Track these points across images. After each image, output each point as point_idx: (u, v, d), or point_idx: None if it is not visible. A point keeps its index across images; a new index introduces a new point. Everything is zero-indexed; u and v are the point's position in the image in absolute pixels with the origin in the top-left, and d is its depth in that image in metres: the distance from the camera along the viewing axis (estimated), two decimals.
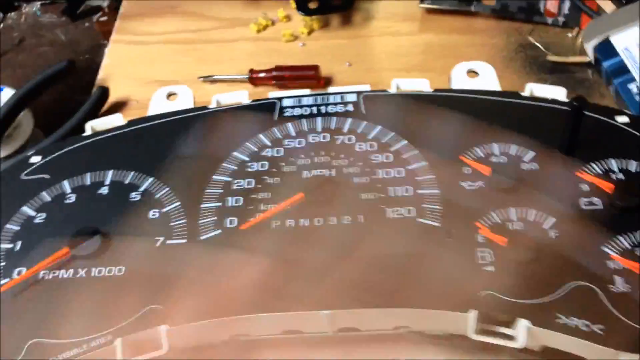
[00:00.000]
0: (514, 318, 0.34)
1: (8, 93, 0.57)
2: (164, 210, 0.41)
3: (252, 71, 0.56)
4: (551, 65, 0.55)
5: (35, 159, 0.45)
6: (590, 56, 0.53)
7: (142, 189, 0.42)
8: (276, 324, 0.36)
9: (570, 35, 0.56)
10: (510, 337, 0.34)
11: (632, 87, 0.48)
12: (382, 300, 0.35)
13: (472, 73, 0.48)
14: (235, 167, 0.42)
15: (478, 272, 0.36)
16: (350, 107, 0.45)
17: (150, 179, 0.42)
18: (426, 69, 0.56)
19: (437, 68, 0.55)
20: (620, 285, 0.34)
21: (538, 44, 0.56)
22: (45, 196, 0.42)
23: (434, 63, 0.56)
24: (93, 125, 0.47)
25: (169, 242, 0.39)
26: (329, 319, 0.36)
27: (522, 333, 0.33)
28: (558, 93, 0.44)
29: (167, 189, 0.42)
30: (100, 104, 0.55)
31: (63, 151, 0.45)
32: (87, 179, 0.43)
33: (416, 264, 0.36)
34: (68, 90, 0.65)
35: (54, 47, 0.76)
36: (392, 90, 0.46)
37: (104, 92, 0.55)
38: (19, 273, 0.38)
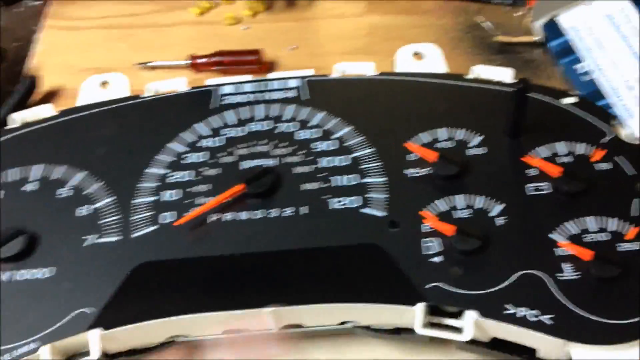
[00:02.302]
0: (462, 310, 0.33)
1: None
2: (96, 206, 0.38)
3: (192, 57, 0.54)
4: (499, 46, 0.53)
5: None
6: (538, 36, 0.52)
7: (73, 183, 0.40)
8: (218, 323, 0.35)
9: (518, 14, 0.55)
10: (457, 330, 0.33)
11: (579, 67, 0.48)
12: (327, 295, 0.34)
13: (418, 55, 0.46)
14: (172, 159, 0.40)
15: (424, 264, 0.34)
16: (292, 93, 0.44)
17: (82, 173, 0.40)
18: (372, 52, 0.54)
19: (383, 51, 0.53)
20: (568, 272, 0.33)
21: (486, 25, 0.55)
22: None
23: (380, 46, 0.55)
24: (20, 117, 0.44)
25: (100, 240, 0.37)
26: (273, 316, 0.34)
27: (469, 325, 0.32)
28: (505, 74, 0.43)
29: (100, 183, 0.40)
30: (29, 94, 0.52)
31: None
32: (15, 173, 0.41)
33: (361, 256, 0.35)
34: None
35: None
36: (336, 74, 0.45)
37: (33, 81, 0.52)
38: None
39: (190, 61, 0.54)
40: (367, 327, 0.35)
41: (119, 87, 0.47)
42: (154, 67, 0.55)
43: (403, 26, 0.56)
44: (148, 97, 0.44)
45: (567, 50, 0.48)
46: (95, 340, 0.33)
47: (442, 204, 0.37)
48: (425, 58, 0.46)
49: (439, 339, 0.33)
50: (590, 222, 0.35)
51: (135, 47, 0.58)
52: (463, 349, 0.34)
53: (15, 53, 0.60)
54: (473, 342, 0.33)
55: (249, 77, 0.45)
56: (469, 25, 0.56)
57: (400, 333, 0.35)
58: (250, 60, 0.53)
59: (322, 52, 0.55)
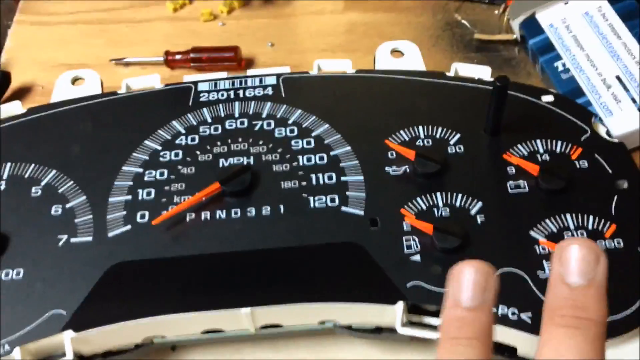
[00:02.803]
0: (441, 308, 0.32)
1: None
2: (68, 205, 0.38)
3: (167, 53, 0.53)
4: (478, 44, 0.53)
5: None
6: (516, 33, 0.52)
7: (43, 183, 0.39)
8: (195, 323, 0.34)
9: (496, 12, 0.55)
10: (437, 329, 0.33)
11: (558, 64, 0.48)
12: (305, 295, 0.34)
13: (397, 53, 0.46)
14: (147, 157, 0.40)
15: (405, 262, 0.34)
16: (269, 91, 0.43)
17: (53, 172, 0.39)
18: (351, 49, 0.54)
19: (361, 48, 0.53)
20: (548, 270, 0.33)
21: (465, 22, 0.55)
22: None
23: (359, 43, 0.54)
24: None
25: (73, 240, 0.36)
26: (250, 317, 0.33)
27: None
28: (483, 72, 0.42)
29: (72, 182, 0.39)
30: (2, 90, 0.51)
31: None
32: None
33: (340, 255, 0.35)
34: None
35: None
36: (314, 71, 0.44)
37: (5, 77, 0.51)
38: None
39: (164, 57, 0.53)
40: (348, 327, 0.35)
41: (91, 84, 0.45)
42: (129, 64, 0.54)
43: (382, 23, 0.56)
44: (124, 93, 0.43)
45: (546, 48, 0.48)
46: (67, 342, 0.32)
47: (422, 202, 0.36)
48: (405, 56, 0.45)
49: (421, 338, 0.33)
50: (570, 219, 0.35)
51: (110, 43, 0.57)
52: None
53: None
54: None
55: (225, 74, 0.45)
56: (448, 22, 0.55)
57: (381, 332, 0.34)
58: (227, 57, 0.52)
59: (300, 49, 0.55)
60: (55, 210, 0.37)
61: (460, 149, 0.38)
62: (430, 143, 0.39)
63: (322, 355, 0.37)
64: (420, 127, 0.40)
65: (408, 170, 0.38)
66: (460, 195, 0.36)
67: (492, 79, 0.42)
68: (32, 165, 0.39)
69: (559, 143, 0.38)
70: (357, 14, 0.57)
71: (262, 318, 0.34)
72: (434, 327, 0.33)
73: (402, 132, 0.39)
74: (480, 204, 0.36)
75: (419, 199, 0.36)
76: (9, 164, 0.40)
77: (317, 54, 0.54)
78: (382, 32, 0.55)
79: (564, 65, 0.47)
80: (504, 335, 0.32)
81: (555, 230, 0.35)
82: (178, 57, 0.53)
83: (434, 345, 0.35)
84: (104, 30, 0.58)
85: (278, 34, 0.56)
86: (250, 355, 0.37)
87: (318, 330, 0.35)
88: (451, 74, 0.43)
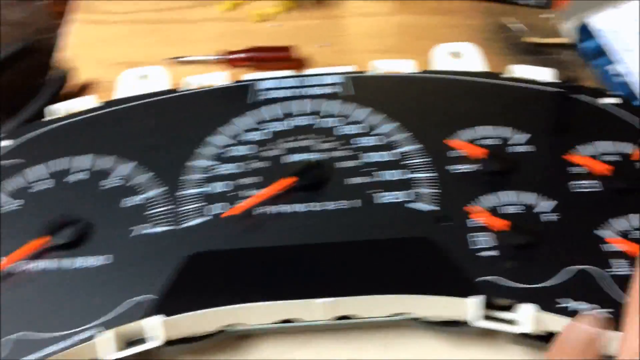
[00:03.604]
0: (516, 303, 0.33)
1: None
2: (145, 196, 0.39)
3: (224, 52, 0.54)
4: (529, 47, 0.54)
5: (6, 143, 0.42)
6: (569, 38, 0.52)
7: (121, 173, 0.40)
8: (271, 313, 0.35)
9: (548, 16, 0.56)
10: (511, 322, 0.33)
11: (611, 69, 0.48)
12: (382, 287, 0.34)
13: (456, 54, 0.47)
14: (217, 151, 0.41)
15: (473, 258, 0.35)
16: (335, 89, 0.44)
17: (130, 164, 0.40)
18: (402, 51, 0.55)
19: (413, 50, 0.54)
20: (616, 267, 0.34)
21: (516, 26, 0.56)
22: (21, 181, 0.40)
23: (411, 45, 0.55)
24: (64, 107, 0.44)
25: (152, 230, 0.37)
26: (326, 307, 0.34)
27: (526, 318, 0.33)
28: (546, 74, 0.43)
29: (148, 174, 0.40)
30: (62, 86, 0.52)
31: (36, 134, 0.42)
32: (65, 163, 0.41)
33: (412, 249, 0.35)
34: (20, 73, 0.61)
35: (3, 28, 0.71)
36: (377, 71, 0.45)
37: (66, 74, 0.52)
38: None
39: (222, 56, 0.54)
40: (418, 319, 0.36)
41: (157, 80, 0.47)
42: (186, 62, 0.55)
43: (433, 26, 0.57)
44: (194, 90, 0.44)
45: (600, 52, 0.49)
46: (158, 326, 0.33)
47: (488, 200, 0.37)
48: (463, 57, 0.46)
49: (488, 333, 0.34)
50: (636, 218, 0.36)
51: (164, 42, 0.58)
52: (518, 342, 0.35)
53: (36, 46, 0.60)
54: (527, 336, 0.34)
55: (287, 72, 0.46)
56: (498, 26, 0.56)
57: (452, 325, 0.35)
58: (283, 57, 0.53)
59: (352, 49, 0.56)
60: (134, 200, 0.38)
61: (526, 148, 0.39)
62: (498, 142, 0.40)
63: (392, 349, 0.37)
64: (487, 127, 0.41)
65: (476, 168, 0.39)
66: (526, 194, 0.37)
67: (554, 81, 0.42)
68: (111, 156, 0.41)
69: (624, 144, 0.39)
70: (407, 16, 0.58)
71: (339, 308, 0.35)
72: (508, 322, 0.34)
73: (469, 130, 0.40)
74: (546, 202, 0.37)
75: (485, 197, 0.37)
76: (89, 155, 0.41)
77: (369, 54, 0.54)
78: (433, 35, 0.56)
79: (616, 69, 0.48)
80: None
81: (622, 229, 0.36)
82: (235, 56, 0.54)
83: (501, 341, 0.36)
84: (158, 29, 0.59)
85: (329, 35, 0.57)
86: (319, 347, 0.38)
87: (389, 322, 0.36)
88: (510, 75, 0.44)
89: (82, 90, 0.53)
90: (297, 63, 0.54)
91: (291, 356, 0.37)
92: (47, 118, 0.44)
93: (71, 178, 0.40)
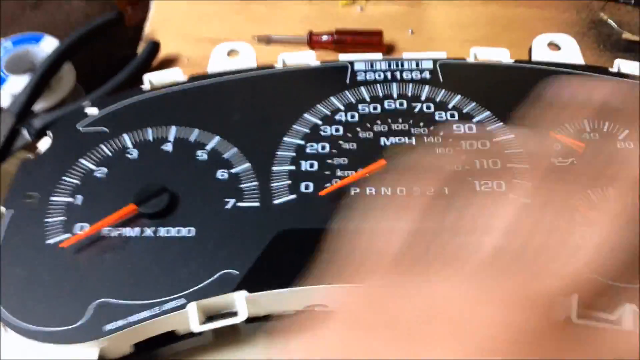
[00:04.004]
0: (617, 303, 0.32)
1: (49, 42, 0.54)
2: (233, 171, 0.38)
3: (311, 33, 0.54)
4: (626, 44, 0.52)
5: (91, 111, 0.42)
6: None
7: (208, 147, 0.40)
8: (359, 295, 0.34)
9: None
10: (611, 321, 0.32)
11: None
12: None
13: (553, 46, 0.45)
14: (308, 130, 0.40)
15: (578, 254, 0.34)
16: (426, 75, 0.43)
17: (217, 138, 0.40)
18: (493, 41, 0.53)
19: (505, 41, 0.52)
20: None
21: (611, 22, 0.54)
22: (106, 150, 0.40)
23: (502, 36, 0.54)
24: (151, 79, 0.44)
25: (240, 204, 0.37)
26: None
27: (630, 317, 0.31)
28: None
29: (236, 149, 0.39)
30: (150, 59, 0.52)
31: (122, 104, 0.42)
32: (149, 134, 0.41)
33: (516, 242, 0.34)
34: (106, 46, 0.62)
35: (78, 2, 0.72)
36: (470, 59, 0.44)
37: (155, 47, 0.53)
38: (82, 229, 0.36)
39: (308, 37, 0.54)
40: None
41: (246, 57, 0.46)
42: (272, 41, 0.55)
43: (525, 18, 0.55)
44: (282, 68, 0.44)
45: None
46: (241, 302, 0.33)
47: (592, 195, 0.36)
48: (562, 49, 0.45)
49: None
50: None
51: (250, 20, 0.58)
52: None
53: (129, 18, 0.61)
54: None
55: (379, 56, 0.45)
56: (592, 20, 0.54)
57: None
58: (371, 41, 0.52)
59: (441, 38, 0.55)
60: (222, 174, 0.38)
61: (629, 144, 0.38)
62: (597, 137, 0.38)
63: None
64: (585, 121, 0.39)
65: (577, 162, 0.37)
66: (631, 190, 0.36)
67: None
68: (197, 130, 0.40)
69: None
70: (498, 7, 0.57)
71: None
72: (605, 320, 0.32)
73: (567, 124, 0.39)
74: None
75: (589, 192, 0.36)
76: (174, 127, 0.41)
77: (458, 44, 0.53)
78: (525, 27, 0.54)
79: None
80: None
81: None
82: (322, 37, 0.53)
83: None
84: (244, 8, 0.59)
85: (416, 22, 0.56)
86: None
87: None
88: (614, 70, 0.42)
89: (166, 64, 0.53)
90: (384, 49, 0.53)
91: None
92: (134, 89, 0.44)
93: (154, 149, 0.40)
